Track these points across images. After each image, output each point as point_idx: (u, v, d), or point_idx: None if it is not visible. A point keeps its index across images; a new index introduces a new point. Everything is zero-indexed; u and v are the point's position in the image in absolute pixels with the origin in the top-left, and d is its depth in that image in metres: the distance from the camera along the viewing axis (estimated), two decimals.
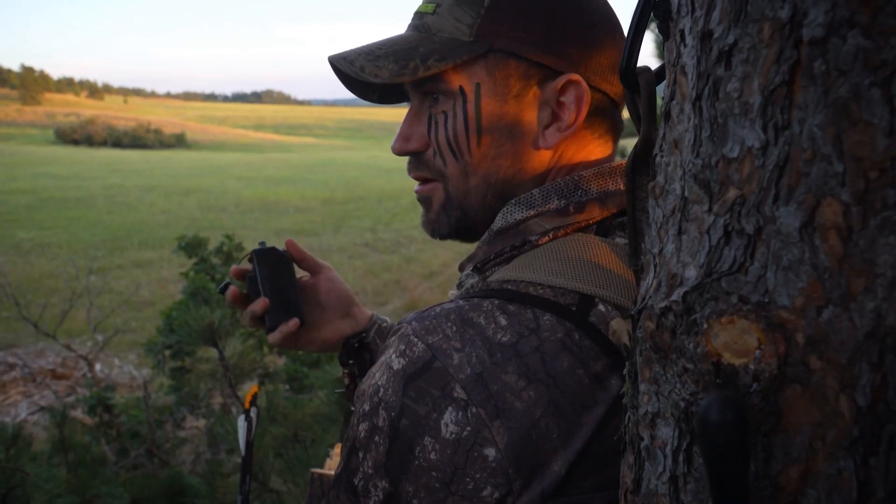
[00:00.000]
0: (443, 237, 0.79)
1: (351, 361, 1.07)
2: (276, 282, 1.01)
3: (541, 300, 0.65)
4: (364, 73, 0.74)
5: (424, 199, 0.79)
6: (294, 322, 1.00)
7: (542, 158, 0.74)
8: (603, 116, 0.76)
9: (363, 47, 0.77)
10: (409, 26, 0.77)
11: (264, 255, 1.03)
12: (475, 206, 0.76)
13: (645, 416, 0.50)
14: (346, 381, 1.11)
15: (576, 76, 0.71)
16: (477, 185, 0.75)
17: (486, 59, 0.72)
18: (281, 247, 1.05)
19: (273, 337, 1.00)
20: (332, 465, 1.85)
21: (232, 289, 1.03)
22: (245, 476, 1.27)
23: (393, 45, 0.75)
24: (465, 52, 0.71)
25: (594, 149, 0.76)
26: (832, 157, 0.38)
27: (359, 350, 1.06)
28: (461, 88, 0.73)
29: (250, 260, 1.03)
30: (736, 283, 0.42)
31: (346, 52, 0.77)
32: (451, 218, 0.77)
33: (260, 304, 0.99)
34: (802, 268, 0.40)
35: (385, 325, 1.10)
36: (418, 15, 0.76)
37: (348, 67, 0.75)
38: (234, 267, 1.03)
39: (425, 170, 0.77)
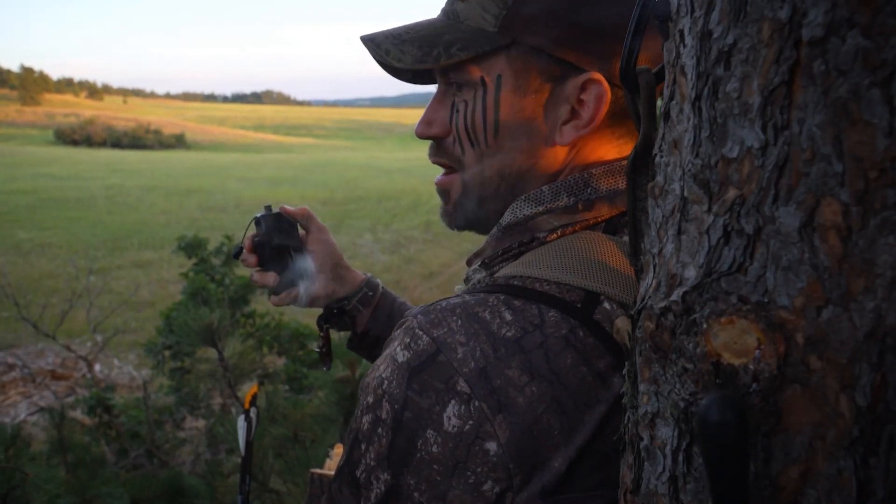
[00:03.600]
0: (459, 228, 0.81)
1: (327, 325, 1.14)
2: (282, 248, 1.07)
3: (546, 296, 0.65)
4: (389, 56, 0.75)
5: (443, 192, 0.80)
6: (295, 291, 1.08)
7: (557, 155, 0.74)
8: (626, 116, 0.74)
9: (392, 30, 0.78)
10: (441, 10, 0.77)
11: (270, 221, 1.07)
12: (489, 197, 0.77)
13: (645, 416, 0.50)
14: (321, 343, 1.17)
15: (597, 74, 0.71)
16: (491, 177, 0.75)
17: (508, 52, 0.71)
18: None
19: (274, 300, 1.10)
20: (331, 466, 1.85)
21: (244, 254, 1.10)
22: (245, 476, 1.28)
23: (420, 30, 0.76)
24: (487, 43, 0.71)
25: (612, 148, 0.75)
26: (832, 157, 0.38)
27: (338, 315, 1.12)
28: (482, 79, 0.73)
29: (257, 224, 1.08)
30: (735, 283, 0.42)
31: (375, 34, 0.78)
32: (466, 210, 0.79)
33: (270, 278, 1.07)
34: (802, 268, 0.40)
35: (371, 294, 1.12)
36: (450, 0, 0.76)
37: (375, 50, 0.77)
38: (246, 242, 1.09)
39: (444, 156, 0.78)
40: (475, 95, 0.74)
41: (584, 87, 0.71)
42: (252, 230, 1.09)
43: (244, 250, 1.09)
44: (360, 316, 1.12)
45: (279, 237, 1.06)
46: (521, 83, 0.72)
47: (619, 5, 0.72)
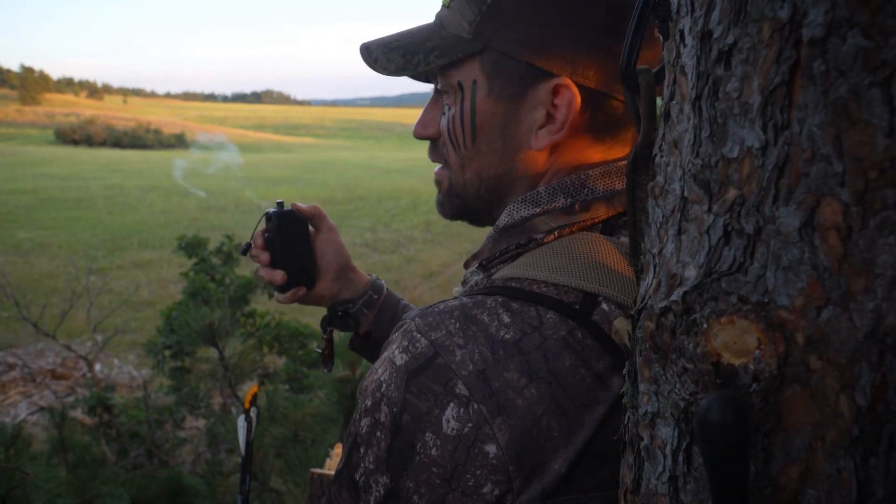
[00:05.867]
0: (450, 218, 0.84)
1: (330, 328, 1.14)
2: (291, 246, 1.07)
3: (544, 298, 0.65)
4: (377, 64, 0.79)
5: (438, 182, 0.83)
6: (302, 290, 1.08)
7: (535, 159, 0.74)
8: (610, 120, 0.74)
9: (386, 37, 0.81)
10: (435, 15, 0.80)
11: (281, 218, 1.06)
12: (471, 197, 0.79)
13: (645, 416, 0.50)
14: (323, 345, 1.17)
15: (566, 80, 0.70)
16: (471, 179, 0.78)
17: (481, 58, 0.73)
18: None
19: (280, 298, 1.09)
20: (331, 465, 1.85)
21: (254, 249, 1.10)
22: (245, 476, 1.28)
23: (409, 37, 0.78)
24: (461, 49, 0.73)
25: (595, 153, 0.75)
26: (832, 157, 0.38)
27: (342, 318, 1.13)
28: (460, 84, 0.75)
29: (268, 220, 1.07)
30: (736, 283, 0.42)
31: (370, 42, 0.82)
32: (453, 204, 0.82)
33: (279, 276, 1.07)
34: (802, 268, 0.40)
35: (376, 297, 1.13)
36: (442, 7, 0.78)
37: (367, 57, 0.80)
38: (257, 238, 1.09)
39: (437, 155, 0.82)
40: (455, 100, 0.76)
41: (556, 92, 0.71)
42: (262, 226, 1.08)
43: (254, 246, 1.09)
44: (365, 318, 1.13)
45: (289, 234, 1.06)
46: (494, 88, 0.73)
47: (589, 10, 0.71)
